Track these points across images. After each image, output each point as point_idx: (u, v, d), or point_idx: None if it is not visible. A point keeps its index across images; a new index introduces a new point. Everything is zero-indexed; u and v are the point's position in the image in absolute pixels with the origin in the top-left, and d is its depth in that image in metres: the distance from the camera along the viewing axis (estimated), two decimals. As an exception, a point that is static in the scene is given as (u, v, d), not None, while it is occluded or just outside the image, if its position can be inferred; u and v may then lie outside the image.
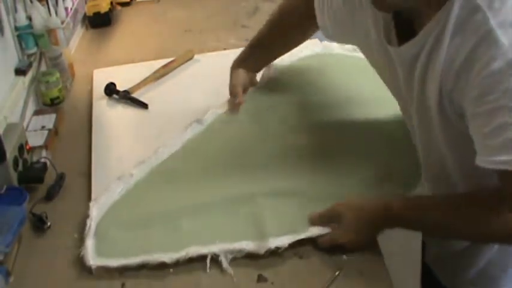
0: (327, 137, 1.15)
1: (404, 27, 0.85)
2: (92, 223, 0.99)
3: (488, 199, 0.79)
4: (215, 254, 0.91)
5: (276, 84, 1.31)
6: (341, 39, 1.17)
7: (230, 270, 0.89)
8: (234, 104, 1.22)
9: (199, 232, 0.95)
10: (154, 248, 0.93)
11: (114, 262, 0.92)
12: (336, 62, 1.40)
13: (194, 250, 0.92)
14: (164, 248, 0.93)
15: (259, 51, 1.25)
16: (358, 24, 0.97)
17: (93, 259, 0.92)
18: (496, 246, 0.91)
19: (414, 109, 0.88)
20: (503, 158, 0.71)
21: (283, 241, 0.91)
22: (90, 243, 0.95)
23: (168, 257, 0.91)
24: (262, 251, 0.90)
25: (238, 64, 1.25)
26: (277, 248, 0.90)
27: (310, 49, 1.43)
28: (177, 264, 0.91)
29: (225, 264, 0.90)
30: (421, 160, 0.97)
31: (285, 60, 1.34)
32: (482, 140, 0.74)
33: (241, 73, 1.23)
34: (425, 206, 0.86)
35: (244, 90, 1.24)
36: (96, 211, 1.01)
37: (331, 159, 1.08)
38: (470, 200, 0.81)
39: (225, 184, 1.05)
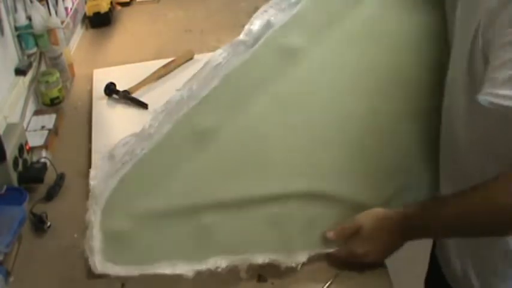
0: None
1: None
2: (97, 209, 0.78)
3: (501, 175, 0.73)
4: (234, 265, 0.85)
5: None
6: None
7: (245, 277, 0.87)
8: None
9: (228, 240, 0.85)
10: (176, 254, 0.82)
11: (126, 271, 0.80)
12: None
13: (217, 261, 0.84)
14: (187, 255, 0.82)
15: None
16: None
17: (101, 265, 0.78)
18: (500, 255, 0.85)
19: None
20: (507, 92, 0.66)
21: (305, 256, 0.89)
22: (96, 242, 0.77)
23: (191, 269, 0.82)
24: (293, 264, 0.88)
25: None
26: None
27: None
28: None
29: (242, 274, 0.86)
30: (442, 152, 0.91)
31: None
32: (490, 74, 0.68)
33: None
34: (442, 204, 0.81)
35: None
36: (102, 192, 0.78)
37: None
38: (484, 183, 0.75)
39: (275, 168, 0.85)
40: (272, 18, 0.82)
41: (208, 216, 0.83)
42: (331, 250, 0.90)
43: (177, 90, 0.82)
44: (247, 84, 0.82)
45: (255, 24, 0.83)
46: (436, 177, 0.95)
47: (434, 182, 0.95)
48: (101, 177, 0.80)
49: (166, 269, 0.81)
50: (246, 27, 0.83)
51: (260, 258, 0.86)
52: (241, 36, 0.83)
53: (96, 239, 0.78)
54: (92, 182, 0.80)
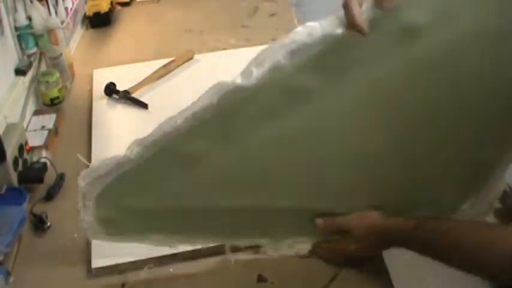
0: None
1: None
2: (88, 204, 0.83)
3: None
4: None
5: None
6: None
7: (231, 258, 0.91)
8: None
9: (213, 228, 0.89)
10: (162, 231, 0.88)
11: (114, 240, 0.88)
12: None
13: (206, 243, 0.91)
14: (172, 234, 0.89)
15: None
16: None
17: (93, 236, 0.88)
18: None
19: None
20: None
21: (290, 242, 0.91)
22: (88, 224, 0.84)
23: (174, 243, 0.89)
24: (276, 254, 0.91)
25: None
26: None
27: None
28: (177, 262, 0.91)
29: (227, 252, 0.91)
30: None
31: None
32: None
33: None
34: (439, 234, 0.78)
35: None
36: (91, 191, 0.82)
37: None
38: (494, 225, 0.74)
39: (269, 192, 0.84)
40: (282, 59, 0.71)
41: (193, 214, 0.86)
42: (315, 240, 0.90)
43: (161, 124, 0.78)
44: (243, 120, 0.77)
45: (259, 65, 0.71)
46: (459, 200, 0.93)
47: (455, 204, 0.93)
48: (88, 182, 0.81)
49: (151, 242, 0.88)
50: (246, 68, 0.72)
51: (243, 241, 0.90)
52: (239, 80, 0.72)
53: (88, 222, 0.84)
54: (80, 185, 0.81)
